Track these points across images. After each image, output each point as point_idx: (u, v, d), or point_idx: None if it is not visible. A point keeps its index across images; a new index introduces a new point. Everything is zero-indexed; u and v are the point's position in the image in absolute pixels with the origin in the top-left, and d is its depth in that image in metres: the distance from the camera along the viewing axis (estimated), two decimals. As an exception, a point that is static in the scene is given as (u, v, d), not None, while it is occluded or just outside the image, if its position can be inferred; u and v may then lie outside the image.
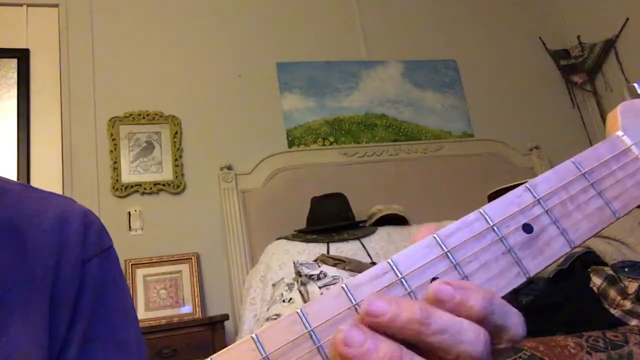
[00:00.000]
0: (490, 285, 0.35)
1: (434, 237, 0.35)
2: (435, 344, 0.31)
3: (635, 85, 0.43)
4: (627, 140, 0.41)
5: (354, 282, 0.33)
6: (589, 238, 0.37)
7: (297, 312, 0.32)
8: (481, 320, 0.33)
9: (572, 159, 0.39)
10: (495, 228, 0.36)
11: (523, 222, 0.37)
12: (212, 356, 0.32)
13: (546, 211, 0.37)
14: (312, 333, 0.32)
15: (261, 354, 0.31)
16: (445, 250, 0.35)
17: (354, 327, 0.31)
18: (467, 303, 0.32)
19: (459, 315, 0.32)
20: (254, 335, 0.32)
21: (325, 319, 0.32)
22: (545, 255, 0.36)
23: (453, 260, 0.35)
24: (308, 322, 0.32)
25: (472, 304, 0.32)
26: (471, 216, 0.36)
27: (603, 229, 0.37)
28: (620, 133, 0.41)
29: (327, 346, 0.32)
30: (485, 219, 0.36)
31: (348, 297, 0.33)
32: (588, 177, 0.38)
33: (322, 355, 0.32)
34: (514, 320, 0.34)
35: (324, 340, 0.32)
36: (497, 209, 0.37)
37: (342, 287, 0.33)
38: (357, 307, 0.33)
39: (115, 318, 0.58)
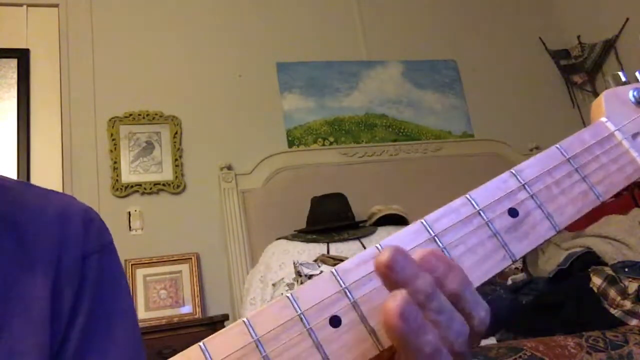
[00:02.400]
0: (477, 268, 0.35)
1: (422, 222, 0.35)
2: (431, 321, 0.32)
3: (620, 73, 0.44)
4: (611, 126, 0.41)
5: (343, 267, 0.34)
6: (573, 221, 0.37)
7: (288, 296, 0.33)
8: (453, 302, 0.33)
9: (557, 145, 0.40)
10: (481, 212, 0.37)
11: (509, 207, 0.37)
12: (204, 340, 0.32)
13: (531, 196, 0.38)
14: (302, 316, 0.32)
15: (252, 337, 0.32)
16: (433, 234, 0.35)
17: (409, 302, 0.30)
18: (444, 280, 0.32)
19: None
20: (245, 319, 0.32)
21: (315, 303, 0.33)
22: (531, 239, 0.37)
23: (440, 244, 0.35)
24: (298, 306, 0.33)
25: (449, 282, 0.33)
26: (458, 201, 0.37)
27: (587, 212, 0.38)
28: (604, 119, 0.42)
29: (317, 329, 0.32)
30: (472, 204, 0.37)
31: (337, 281, 0.33)
32: (572, 162, 0.39)
33: (312, 338, 0.32)
34: (481, 313, 0.34)
35: (314, 323, 0.32)
36: (483, 194, 0.37)
37: (332, 272, 0.33)
38: (346, 290, 0.33)
39: (113, 314, 0.58)
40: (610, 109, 0.42)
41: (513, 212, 0.37)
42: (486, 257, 0.35)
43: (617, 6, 3.84)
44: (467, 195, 0.37)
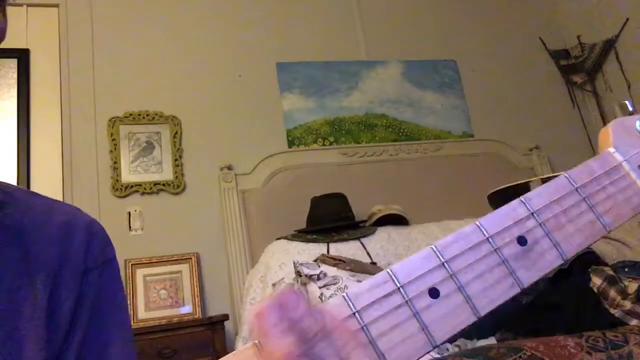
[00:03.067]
0: (485, 295, 0.36)
1: (432, 248, 0.36)
2: None
3: (627, 102, 0.45)
4: (619, 157, 0.42)
5: (354, 291, 0.35)
6: (581, 251, 0.38)
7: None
8: None
9: (566, 174, 0.40)
10: (490, 240, 0.37)
11: (517, 235, 0.38)
12: None
13: (540, 224, 0.38)
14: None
15: None
16: (442, 260, 0.36)
17: (275, 306, 0.31)
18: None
19: None
20: (257, 341, 0.33)
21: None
22: (539, 267, 0.37)
23: (450, 270, 0.36)
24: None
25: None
26: (468, 228, 0.38)
27: (594, 242, 0.38)
28: (612, 150, 0.43)
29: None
30: (482, 230, 0.37)
31: (349, 305, 0.34)
32: (580, 191, 0.40)
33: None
34: None
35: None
36: (492, 221, 0.38)
37: (344, 297, 0.34)
38: (356, 314, 0.34)
39: (110, 330, 0.60)
40: (617, 140, 0.43)
41: (522, 240, 0.37)
42: (495, 284, 0.36)
43: (617, 6, 3.84)
44: (477, 222, 0.38)
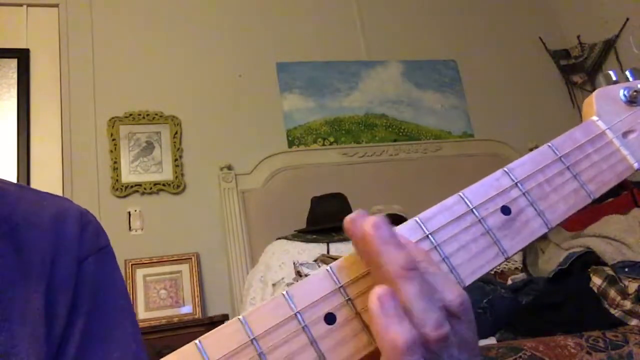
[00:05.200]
0: (470, 265, 0.35)
1: (416, 220, 0.36)
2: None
3: (611, 72, 0.45)
4: (602, 125, 0.42)
5: (338, 265, 0.34)
6: (565, 218, 0.38)
7: (283, 294, 0.33)
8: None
9: (549, 143, 0.40)
10: (474, 210, 0.37)
11: (501, 205, 0.38)
12: (200, 337, 0.33)
13: (524, 193, 0.38)
14: (297, 314, 0.33)
15: (248, 336, 0.32)
16: (427, 232, 0.36)
17: (389, 293, 0.31)
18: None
19: None
20: (241, 318, 0.33)
21: (311, 301, 0.33)
22: (523, 236, 0.37)
23: (434, 242, 0.35)
24: (294, 304, 0.33)
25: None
26: (451, 199, 0.38)
27: (578, 210, 0.38)
28: (595, 118, 0.42)
29: (312, 326, 0.32)
30: (465, 202, 0.37)
31: (333, 279, 0.34)
32: (564, 160, 0.40)
33: (307, 334, 0.32)
34: (448, 296, 0.34)
35: (309, 320, 0.32)
36: (476, 192, 0.38)
37: (327, 270, 0.33)
38: (341, 288, 0.33)
39: (113, 315, 0.59)
40: (601, 108, 0.42)
41: (506, 210, 0.37)
42: (479, 254, 0.36)
43: (617, 6, 3.84)
44: (461, 193, 0.38)
